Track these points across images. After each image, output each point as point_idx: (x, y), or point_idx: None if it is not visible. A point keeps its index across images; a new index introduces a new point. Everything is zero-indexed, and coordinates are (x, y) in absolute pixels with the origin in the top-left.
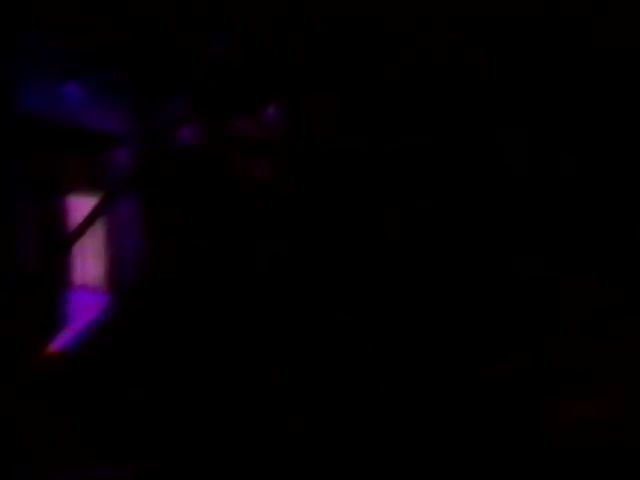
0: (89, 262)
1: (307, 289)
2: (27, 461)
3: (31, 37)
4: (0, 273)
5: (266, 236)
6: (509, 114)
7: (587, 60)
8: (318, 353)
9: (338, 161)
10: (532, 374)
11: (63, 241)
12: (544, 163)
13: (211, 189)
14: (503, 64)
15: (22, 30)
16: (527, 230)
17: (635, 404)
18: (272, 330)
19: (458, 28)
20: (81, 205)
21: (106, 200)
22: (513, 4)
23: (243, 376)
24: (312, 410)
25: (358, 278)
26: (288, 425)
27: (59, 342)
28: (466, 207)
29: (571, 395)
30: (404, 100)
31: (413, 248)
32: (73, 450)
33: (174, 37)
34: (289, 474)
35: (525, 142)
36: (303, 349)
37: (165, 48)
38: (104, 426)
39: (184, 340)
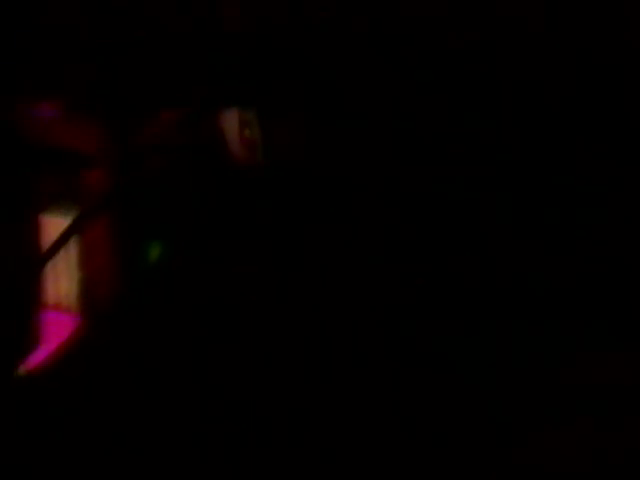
0: (62, 281)
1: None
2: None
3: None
4: None
5: (245, 256)
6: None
7: (588, 61)
8: (308, 361)
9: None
10: (503, 405)
11: (36, 260)
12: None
13: (188, 208)
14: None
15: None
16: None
17: (604, 436)
18: (256, 353)
19: (457, 30)
20: (55, 224)
21: (80, 219)
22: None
23: (225, 392)
24: (307, 410)
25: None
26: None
27: (31, 362)
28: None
29: (541, 426)
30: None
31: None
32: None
33: (165, 44)
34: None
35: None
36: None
37: (154, 57)
38: (77, 446)
39: (159, 360)
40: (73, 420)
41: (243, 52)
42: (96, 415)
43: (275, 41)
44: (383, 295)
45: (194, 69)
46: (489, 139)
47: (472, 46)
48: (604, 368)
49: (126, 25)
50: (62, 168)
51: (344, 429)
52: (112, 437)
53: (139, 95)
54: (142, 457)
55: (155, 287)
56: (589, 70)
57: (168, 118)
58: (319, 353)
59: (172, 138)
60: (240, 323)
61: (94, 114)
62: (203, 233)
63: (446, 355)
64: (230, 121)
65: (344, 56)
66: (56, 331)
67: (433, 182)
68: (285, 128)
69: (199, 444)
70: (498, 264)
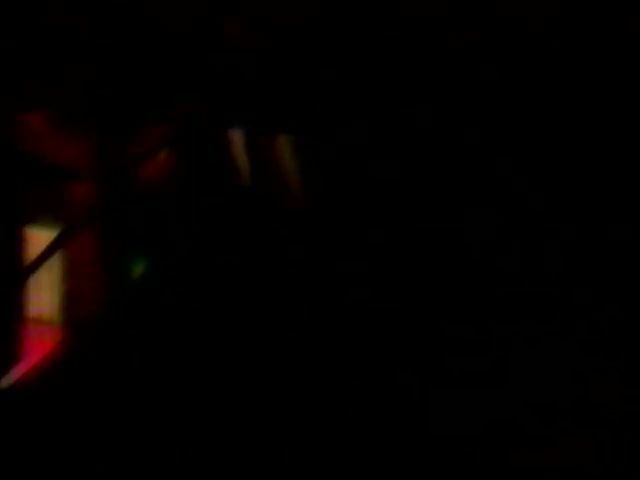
0: (45, 295)
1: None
2: None
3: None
4: None
5: (227, 277)
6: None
7: (588, 62)
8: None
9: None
10: (497, 423)
11: (20, 272)
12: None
13: (173, 225)
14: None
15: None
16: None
17: (595, 454)
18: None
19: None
20: (39, 237)
21: (65, 233)
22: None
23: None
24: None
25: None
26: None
27: (12, 376)
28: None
29: (535, 444)
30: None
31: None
32: None
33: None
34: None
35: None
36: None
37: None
38: (59, 459)
39: (140, 377)
40: (54, 434)
41: (243, 63)
42: (77, 429)
43: (275, 50)
44: (384, 304)
45: (192, 73)
46: (489, 139)
47: (472, 46)
48: (600, 389)
49: (126, 25)
50: (49, 181)
51: (342, 438)
52: (93, 450)
53: (136, 100)
54: (123, 468)
55: (139, 302)
56: (589, 70)
57: (159, 132)
58: (313, 367)
59: (162, 152)
60: (225, 336)
61: (85, 126)
62: (188, 249)
63: (445, 362)
64: (236, 140)
65: (343, 60)
66: (38, 345)
67: (434, 186)
68: (275, 149)
69: (177, 453)
70: (498, 276)
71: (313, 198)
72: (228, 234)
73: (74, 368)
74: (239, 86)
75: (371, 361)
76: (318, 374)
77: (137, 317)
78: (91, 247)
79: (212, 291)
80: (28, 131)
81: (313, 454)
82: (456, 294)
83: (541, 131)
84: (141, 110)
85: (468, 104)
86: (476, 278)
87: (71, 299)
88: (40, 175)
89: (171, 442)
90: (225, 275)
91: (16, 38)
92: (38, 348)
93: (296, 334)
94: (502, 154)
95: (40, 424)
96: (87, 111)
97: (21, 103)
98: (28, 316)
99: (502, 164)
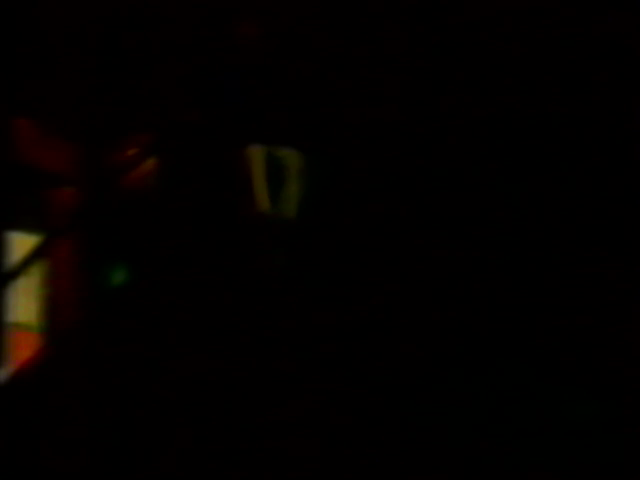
0: (26, 300)
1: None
2: None
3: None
4: None
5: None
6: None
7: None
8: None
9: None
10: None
11: (1, 278)
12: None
13: (156, 233)
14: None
15: None
16: None
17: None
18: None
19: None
20: (22, 242)
21: (48, 239)
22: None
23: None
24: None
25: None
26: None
27: None
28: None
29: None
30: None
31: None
32: None
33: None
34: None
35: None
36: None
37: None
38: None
39: (122, 384)
40: (33, 440)
41: (242, 66)
42: (56, 435)
43: (275, 51)
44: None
45: (190, 76)
46: (489, 139)
47: (472, 45)
48: None
49: (126, 25)
50: (31, 186)
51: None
52: (72, 455)
53: (129, 104)
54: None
55: (120, 309)
56: (589, 70)
57: (145, 139)
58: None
59: (147, 160)
60: (208, 343)
61: (74, 129)
62: (171, 256)
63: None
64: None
65: (343, 61)
66: (17, 351)
67: (434, 189)
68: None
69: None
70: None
71: (310, 207)
72: (212, 241)
73: (54, 375)
74: (237, 91)
75: (367, 374)
76: (306, 383)
77: (118, 324)
78: (72, 253)
79: (194, 298)
80: (13, 136)
81: (312, 455)
82: (452, 305)
83: (541, 130)
84: (133, 115)
85: (468, 104)
86: (474, 288)
87: (51, 305)
88: (23, 180)
89: (154, 446)
90: (208, 282)
91: (15, 38)
92: (18, 354)
93: (284, 343)
94: (502, 154)
95: (20, 431)
96: (80, 113)
97: (12, 105)
98: (8, 322)
99: (502, 164)
